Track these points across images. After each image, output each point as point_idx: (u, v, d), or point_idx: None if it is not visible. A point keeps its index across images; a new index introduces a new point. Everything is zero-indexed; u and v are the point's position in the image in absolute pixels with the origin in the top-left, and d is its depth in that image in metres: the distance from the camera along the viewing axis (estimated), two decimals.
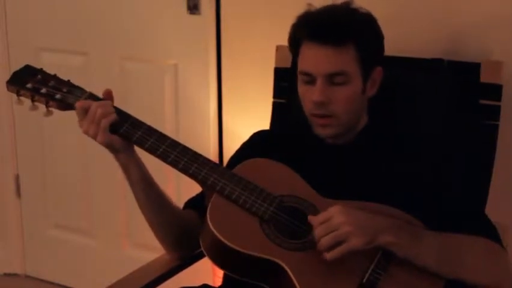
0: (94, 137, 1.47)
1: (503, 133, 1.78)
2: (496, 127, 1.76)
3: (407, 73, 1.80)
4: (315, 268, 1.37)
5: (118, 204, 2.72)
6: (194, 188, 1.62)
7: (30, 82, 1.53)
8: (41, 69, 1.56)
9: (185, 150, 1.50)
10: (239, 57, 2.38)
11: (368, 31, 1.55)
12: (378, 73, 1.58)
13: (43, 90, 1.52)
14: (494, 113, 1.76)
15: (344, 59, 1.49)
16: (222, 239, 1.38)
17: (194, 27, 2.42)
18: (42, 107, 1.53)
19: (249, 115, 2.34)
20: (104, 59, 2.65)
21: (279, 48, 2.00)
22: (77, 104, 1.48)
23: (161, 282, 1.65)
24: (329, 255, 1.34)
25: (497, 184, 1.77)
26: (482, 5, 1.93)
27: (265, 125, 1.99)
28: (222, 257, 1.42)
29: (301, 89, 1.56)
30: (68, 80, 1.55)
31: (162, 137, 1.50)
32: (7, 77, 1.56)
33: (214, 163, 1.51)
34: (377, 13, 1.58)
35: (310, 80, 1.52)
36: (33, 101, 1.53)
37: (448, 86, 1.81)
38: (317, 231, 1.36)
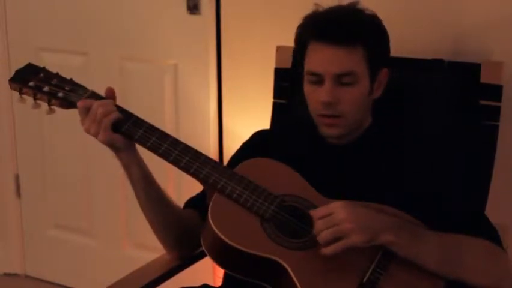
0: (95, 136, 1.47)
1: (503, 133, 1.78)
2: (496, 127, 1.76)
3: (407, 74, 1.81)
4: (315, 267, 1.37)
5: (118, 204, 2.72)
6: (195, 187, 1.62)
7: (33, 80, 1.53)
8: (44, 67, 1.57)
9: (187, 149, 1.50)
10: (239, 57, 2.38)
11: (376, 32, 1.55)
12: (384, 74, 1.59)
13: (45, 89, 1.52)
14: (494, 113, 1.76)
15: (353, 60, 1.50)
16: (223, 237, 1.38)
17: (194, 27, 2.42)
18: (44, 105, 1.54)
19: (249, 115, 2.34)
20: (104, 59, 2.66)
21: (279, 49, 2.00)
22: (79, 103, 1.49)
23: (161, 282, 1.65)
24: (327, 250, 1.34)
25: (497, 184, 1.77)
26: (482, 5, 1.93)
27: (265, 125, 1.99)
28: (223, 256, 1.42)
29: (308, 89, 1.56)
30: (71, 79, 1.55)
31: (163, 136, 1.50)
32: (7, 77, 1.56)
33: (216, 162, 1.51)
34: (377, 14, 1.58)
35: (318, 80, 1.52)
36: (35, 99, 1.53)
37: (448, 86, 1.82)
38: (317, 225, 1.36)
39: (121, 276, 1.62)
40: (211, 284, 1.70)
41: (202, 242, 1.46)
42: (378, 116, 1.65)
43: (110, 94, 1.53)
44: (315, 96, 1.53)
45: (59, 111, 1.55)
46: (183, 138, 1.55)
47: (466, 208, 1.53)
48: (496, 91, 1.76)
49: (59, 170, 2.89)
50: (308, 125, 1.61)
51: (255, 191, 1.46)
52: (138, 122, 1.51)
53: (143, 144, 1.49)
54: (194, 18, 2.41)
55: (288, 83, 1.97)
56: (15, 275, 3.07)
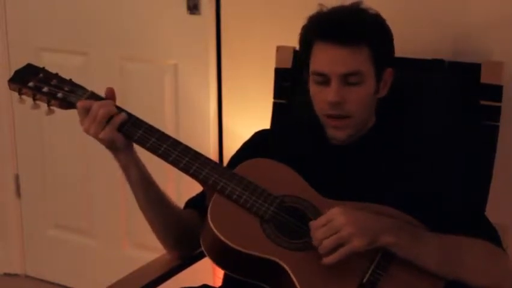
0: (95, 136, 1.47)
1: (504, 134, 1.78)
2: (496, 128, 1.76)
3: (407, 74, 1.80)
4: (315, 268, 1.37)
5: (118, 204, 2.72)
6: (194, 188, 1.62)
7: (32, 81, 1.53)
8: (43, 67, 1.57)
9: (187, 150, 1.50)
10: (239, 57, 2.38)
11: (381, 31, 1.56)
12: (389, 74, 1.59)
13: (45, 89, 1.52)
14: (495, 113, 1.76)
15: (359, 59, 1.50)
16: (223, 238, 1.38)
17: (194, 27, 2.42)
18: (43, 106, 1.54)
19: (249, 115, 2.34)
20: (104, 59, 2.65)
21: (279, 49, 2.00)
22: (79, 104, 1.49)
23: (161, 282, 1.65)
24: (329, 259, 1.34)
25: (497, 184, 1.77)
26: (482, 5, 1.93)
27: (265, 125, 1.98)
28: (223, 256, 1.42)
29: (314, 89, 1.56)
30: (70, 79, 1.55)
31: (163, 136, 1.50)
32: (7, 77, 1.56)
33: (215, 163, 1.51)
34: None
35: (324, 80, 1.52)
36: (35, 99, 1.53)
37: (448, 86, 1.81)
38: (318, 234, 1.35)
39: (121, 276, 1.62)
40: (211, 284, 1.70)
41: (201, 243, 1.46)
42: (380, 116, 1.64)
43: (110, 94, 1.53)
44: (322, 97, 1.53)
45: (59, 111, 1.55)
46: (183, 138, 1.55)
47: (466, 208, 1.53)
48: (496, 91, 1.75)
49: (59, 170, 2.89)
50: (309, 125, 1.61)
51: (254, 192, 1.46)
52: (137, 122, 1.50)
53: (143, 145, 1.49)
54: (194, 18, 2.41)
55: (288, 83, 1.97)
56: (15, 275, 3.07)
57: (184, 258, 1.69)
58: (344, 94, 1.50)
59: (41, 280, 3.04)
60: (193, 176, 1.48)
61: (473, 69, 1.78)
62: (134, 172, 1.52)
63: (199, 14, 2.40)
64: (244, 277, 1.42)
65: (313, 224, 1.38)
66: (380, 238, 1.36)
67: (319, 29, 1.53)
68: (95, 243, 2.88)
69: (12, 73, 1.56)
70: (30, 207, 3.02)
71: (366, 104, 1.55)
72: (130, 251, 2.76)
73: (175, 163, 1.49)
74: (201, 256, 1.65)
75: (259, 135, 1.75)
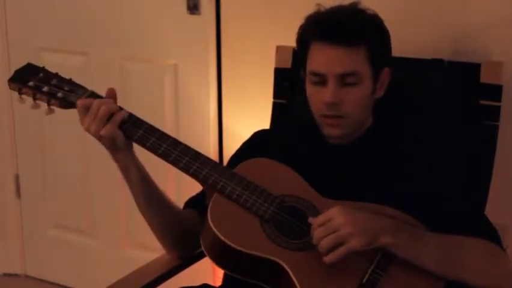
0: (96, 134, 1.46)
1: (503, 133, 1.78)
2: (496, 127, 1.76)
3: (407, 74, 1.80)
4: (315, 268, 1.37)
5: (118, 204, 2.72)
6: (194, 188, 1.62)
7: (32, 80, 1.53)
8: (43, 67, 1.57)
9: (187, 149, 1.50)
10: (239, 57, 2.38)
11: (378, 32, 1.55)
12: (386, 74, 1.59)
13: (45, 89, 1.52)
14: (494, 113, 1.76)
15: (356, 60, 1.50)
16: (223, 238, 1.38)
17: (194, 27, 2.42)
18: (44, 105, 1.53)
19: (249, 115, 2.34)
20: (104, 59, 2.65)
21: (279, 49, 2.00)
22: (78, 102, 1.48)
23: (161, 282, 1.65)
24: (329, 258, 1.34)
25: (497, 184, 1.77)
26: (482, 5, 1.93)
27: (265, 125, 1.99)
28: (223, 256, 1.42)
29: (310, 89, 1.56)
30: (70, 79, 1.55)
31: (163, 136, 1.50)
32: (7, 77, 1.56)
33: (215, 162, 1.51)
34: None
35: (321, 80, 1.52)
36: (35, 99, 1.53)
37: (448, 86, 1.81)
38: (317, 233, 1.35)
39: (121, 276, 1.62)
40: (211, 284, 1.70)
41: (201, 243, 1.46)
42: (378, 116, 1.64)
43: (111, 94, 1.52)
44: (318, 97, 1.53)
45: (59, 111, 1.55)
46: (183, 138, 1.55)
47: (466, 208, 1.53)
48: (496, 91, 1.76)
49: (59, 170, 2.89)
50: (308, 125, 1.60)
51: (254, 192, 1.46)
52: (138, 122, 1.50)
53: (143, 145, 1.49)
54: (194, 18, 2.41)
55: (288, 83, 1.97)
56: (15, 275, 3.07)
57: (184, 258, 1.69)
58: (340, 95, 1.50)
59: (41, 280, 3.04)
60: (193, 175, 1.48)
61: (472, 69, 1.78)
62: (133, 173, 1.52)
63: (199, 14, 2.40)
64: (244, 277, 1.42)
65: (312, 222, 1.38)
66: (379, 238, 1.36)
67: (316, 28, 1.53)
68: (95, 243, 2.88)
69: (12, 73, 1.56)
70: (30, 207, 3.02)
71: (363, 105, 1.55)
72: (130, 251, 2.76)
73: (175, 163, 1.48)
74: (201, 256, 1.65)
75: (258, 135, 1.75)
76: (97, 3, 2.62)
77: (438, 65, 1.85)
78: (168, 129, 1.82)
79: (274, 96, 2.01)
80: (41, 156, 2.91)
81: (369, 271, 1.38)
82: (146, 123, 1.51)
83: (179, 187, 2.37)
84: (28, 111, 1.55)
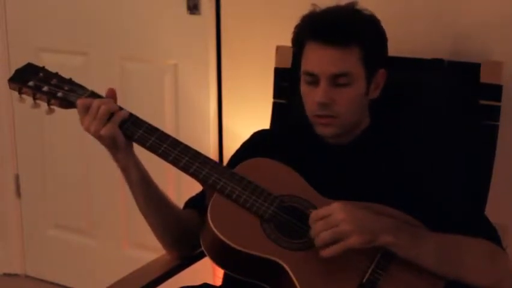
0: (96, 133, 1.46)
1: (503, 133, 1.78)
2: (496, 127, 1.76)
3: (407, 74, 1.80)
4: (315, 268, 1.37)
5: (118, 204, 2.72)
6: (194, 188, 1.62)
7: (32, 80, 1.53)
8: (43, 67, 1.57)
9: (186, 149, 1.50)
10: (239, 57, 2.38)
11: (373, 33, 1.55)
12: (381, 75, 1.58)
13: (45, 88, 1.52)
14: (494, 113, 1.76)
15: (348, 60, 1.49)
16: (223, 238, 1.38)
17: (194, 27, 2.42)
18: (44, 105, 1.53)
19: (249, 115, 2.34)
20: (104, 59, 2.66)
21: (279, 49, 2.00)
22: (78, 101, 1.48)
23: (161, 282, 1.65)
24: (325, 252, 1.34)
25: (497, 184, 1.77)
26: (482, 5, 1.93)
27: (265, 125, 1.99)
28: (223, 256, 1.42)
29: (304, 89, 1.56)
30: (70, 78, 1.55)
31: (163, 136, 1.50)
32: (7, 77, 1.56)
33: (215, 162, 1.51)
34: (377, 14, 1.58)
35: (314, 80, 1.52)
36: (35, 99, 1.53)
37: (448, 86, 1.81)
38: (316, 226, 1.35)
39: (121, 276, 1.62)
40: (211, 283, 1.70)
41: (201, 243, 1.46)
42: (377, 116, 1.64)
43: (112, 95, 1.52)
44: (311, 97, 1.53)
45: (59, 111, 1.55)
46: (183, 138, 1.55)
47: (466, 208, 1.53)
48: (496, 91, 1.76)
49: (59, 170, 2.89)
50: (308, 125, 1.60)
51: (254, 191, 1.46)
52: (138, 121, 1.50)
53: (143, 144, 1.49)
54: (194, 18, 2.41)
55: (288, 83, 1.97)
56: (15, 275, 3.08)
57: (184, 258, 1.69)
58: (332, 95, 1.50)
59: (41, 280, 3.04)
60: (193, 175, 1.48)
61: (472, 69, 1.78)
62: (133, 173, 1.52)
63: (199, 14, 2.40)
64: (244, 277, 1.42)
65: (312, 215, 1.38)
66: (379, 237, 1.36)
67: (310, 29, 1.53)
68: (95, 243, 2.88)
69: (12, 73, 1.56)
70: (30, 207, 3.02)
71: (355, 106, 1.54)
72: (130, 251, 2.76)
73: (175, 162, 1.48)
74: (201, 256, 1.65)
75: (258, 135, 1.75)
76: (97, 3, 2.62)
77: (438, 65, 1.85)
78: (168, 129, 1.82)
79: (274, 96, 2.01)
80: (41, 156, 2.91)
81: (370, 271, 1.38)
82: (146, 123, 1.51)
83: (179, 187, 2.37)
84: (28, 111, 1.55)
